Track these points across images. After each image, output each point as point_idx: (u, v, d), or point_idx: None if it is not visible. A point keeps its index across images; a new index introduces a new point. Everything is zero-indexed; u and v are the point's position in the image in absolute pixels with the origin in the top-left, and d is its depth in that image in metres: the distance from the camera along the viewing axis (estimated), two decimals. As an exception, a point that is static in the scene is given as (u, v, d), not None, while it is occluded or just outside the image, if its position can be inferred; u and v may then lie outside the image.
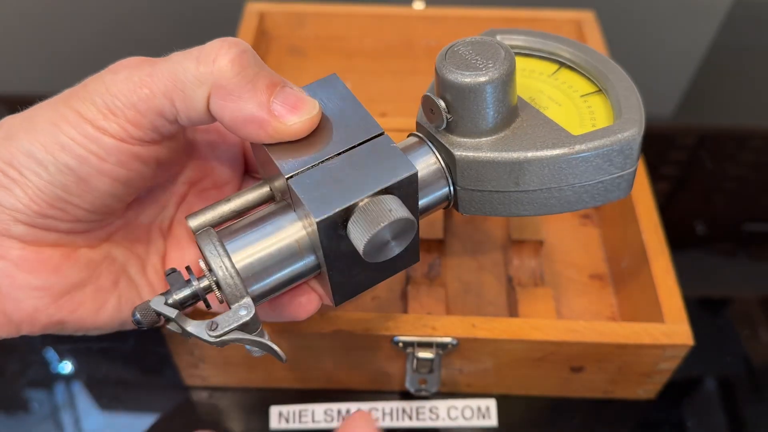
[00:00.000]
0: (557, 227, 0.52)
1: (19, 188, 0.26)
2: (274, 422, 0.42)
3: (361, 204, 0.26)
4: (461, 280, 0.48)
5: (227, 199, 0.30)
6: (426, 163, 0.30)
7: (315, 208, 0.26)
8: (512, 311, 0.46)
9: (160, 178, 0.32)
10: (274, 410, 0.42)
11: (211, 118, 0.27)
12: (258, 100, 0.27)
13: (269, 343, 0.28)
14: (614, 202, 0.49)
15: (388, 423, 0.42)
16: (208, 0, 0.75)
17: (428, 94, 0.30)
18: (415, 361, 0.39)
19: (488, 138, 0.29)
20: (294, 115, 0.27)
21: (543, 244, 0.47)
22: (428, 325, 0.38)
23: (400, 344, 0.39)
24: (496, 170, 0.29)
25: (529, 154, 0.29)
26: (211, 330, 0.27)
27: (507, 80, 0.28)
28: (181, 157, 0.32)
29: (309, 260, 0.29)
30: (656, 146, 0.60)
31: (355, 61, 0.61)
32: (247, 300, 0.27)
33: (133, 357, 0.46)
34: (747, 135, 0.63)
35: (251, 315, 0.27)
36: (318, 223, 0.26)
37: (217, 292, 0.28)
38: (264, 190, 0.31)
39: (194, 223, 0.30)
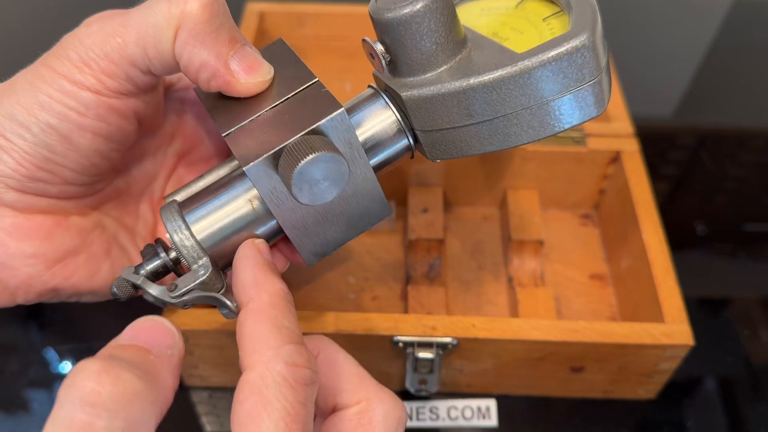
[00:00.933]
0: (557, 227, 0.52)
1: (6, 153, 0.27)
2: (274, 422, 0.42)
3: (288, 147, 0.26)
4: (461, 280, 0.48)
5: (201, 177, 0.30)
6: (378, 112, 0.30)
7: (244, 159, 0.26)
8: (512, 311, 0.46)
9: (147, 142, 0.32)
10: (274, 410, 0.42)
11: (177, 63, 0.28)
12: (217, 50, 0.27)
13: (222, 298, 0.28)
14: (614, 202, 0.49)
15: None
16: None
17: (365, 38, 0.29)
18: (415, 361, 0.39)
19: (432, 73, 0.29)
20: (249, 75, 0.28)
21: (543, 244, 0.47)
22: (428, 325, 0.38)
23: (400, 344, 0.39)
24: (444, 104, 0.28)
25: (472, 80, 0.27)
26: (171, 291, 0.27)
27: (435, 8, 0.27)
28: (161, 117, 0.32)
29: (265, 220, 0.29)
30: (656, 146, 0.60)
31: (355, 61, 0.61)
32: (205, 260, 0.28)
33: (133, 357, 0.46)
34: (747, 135, 0.63)
35: (208, 273, 0.27)
36: (247, 171, 0.26)
37: (184, 261, 0.28)
38: (235, 163, 0.31)
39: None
